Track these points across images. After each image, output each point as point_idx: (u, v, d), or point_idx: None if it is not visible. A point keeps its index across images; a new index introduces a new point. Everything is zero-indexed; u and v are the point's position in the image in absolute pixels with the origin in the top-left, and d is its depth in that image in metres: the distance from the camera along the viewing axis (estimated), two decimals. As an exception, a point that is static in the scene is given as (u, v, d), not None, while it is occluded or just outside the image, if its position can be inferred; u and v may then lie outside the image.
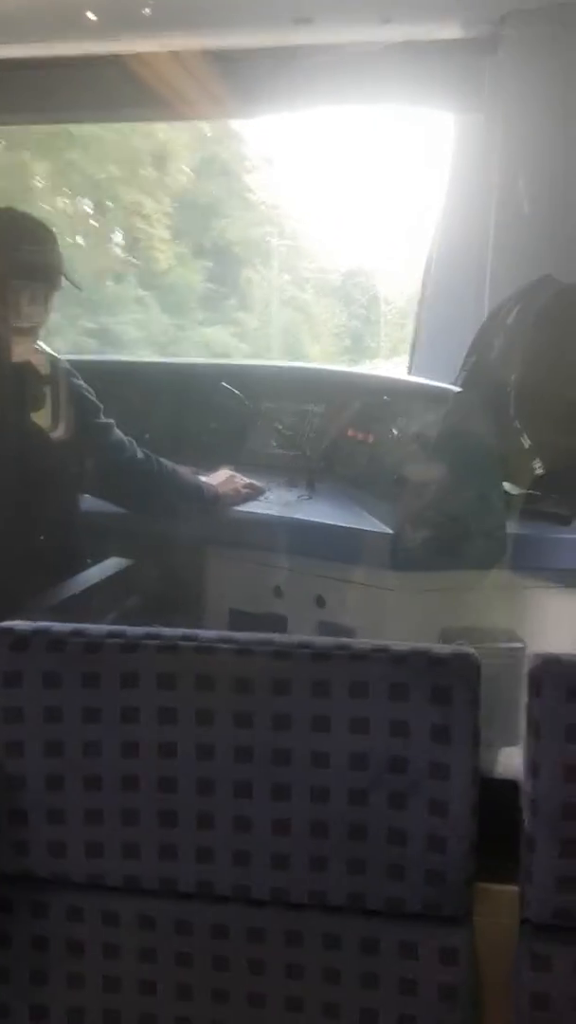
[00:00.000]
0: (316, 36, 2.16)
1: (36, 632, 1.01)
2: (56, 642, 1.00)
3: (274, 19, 2.14)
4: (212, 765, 0.97)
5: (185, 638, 1.00)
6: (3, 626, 1.02)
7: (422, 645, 0.96)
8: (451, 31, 2.16)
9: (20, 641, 1.00)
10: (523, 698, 1.71)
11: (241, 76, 2.27)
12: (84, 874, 1.02)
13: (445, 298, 2.40)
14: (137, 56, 2.32)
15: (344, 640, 0.98)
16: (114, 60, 2.32)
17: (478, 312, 2.12)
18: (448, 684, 0.93)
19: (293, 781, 0.95)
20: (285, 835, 0.96)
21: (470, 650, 0.95)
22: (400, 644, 0.97)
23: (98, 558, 2.01)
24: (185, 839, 0.99)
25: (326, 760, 0.95)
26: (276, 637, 0.99)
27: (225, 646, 0.98)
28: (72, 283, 1.95)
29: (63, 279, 1.91)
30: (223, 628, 2.12)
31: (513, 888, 0.96)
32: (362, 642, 0.98)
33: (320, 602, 2.03)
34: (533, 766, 0.93)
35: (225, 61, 2.27)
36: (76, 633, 1.01)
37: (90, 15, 2.20)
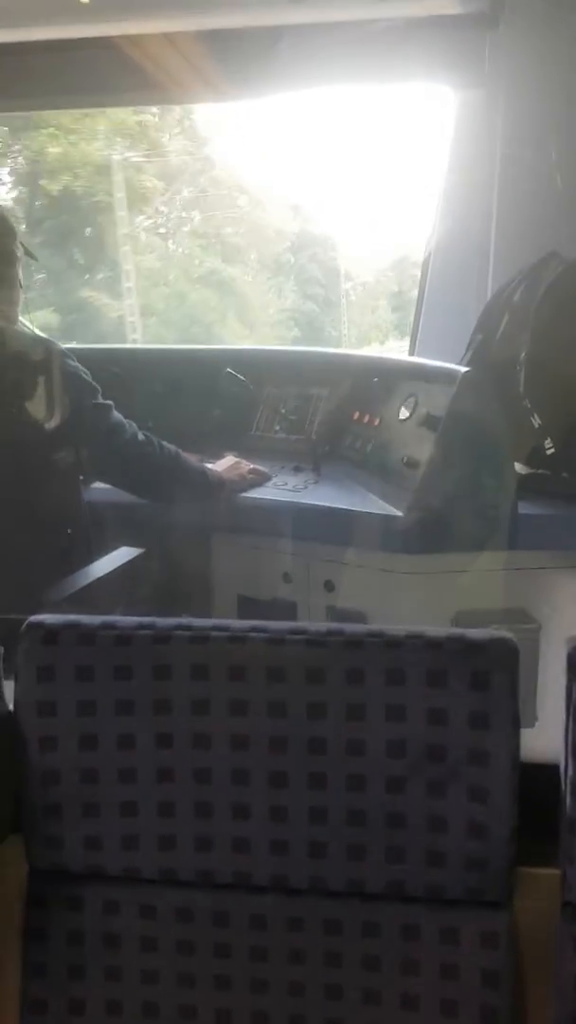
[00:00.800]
0: (311, 15, 2.12)
1: (67, 625, 0.99)
2: (87, 635, 0.99)
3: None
4: (247, 755, 0.96)
5: (217, 628, 0.98)
6: (33, 620, 1.00)
7: (457, 631, 0.95)
8: (449, 6, 2.13)
9: (51, 635, 0.99)
10: (538, 679, 1.71)
11: (237, 56, 2.24)
12: (120, 868, 1.01)
13: (448, 277, 2.38)
14: (129, 38, 2.28)
15: (377, 627, 0.97)
16: (105, 43, 2.28)
17: (481, 291, 2.10)
18: (487, 669, 0.92)
19: (329, 770, 0.95)
20: (322, 824, 0.95)
21: (507, 634, 0.94)
22: (435, 629, 0.96)
23: (108, 547, 1.99)
24: (221, 830, 0.98)
25: (362, 748, 0.94)
26: (309, 625, 0.98)
27: (257, 635, 0.97)
28: (28, 253, 1.93)
29: (20, 249, 1.90)
30: (232, 615, 2.13)
31: (554, 871, 0.96)
32: (396, 628, 0.97)
33: (329, 587, 2.03)
34: (574, 748, 0.92)
35: (222, 42, 2.23)
36: (106, 626, 0.99)
37: (82, -1, 2.16)
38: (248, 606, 2.14)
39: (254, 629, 0.98)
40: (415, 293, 2.47)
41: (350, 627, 0.98)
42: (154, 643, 0.97)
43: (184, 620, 0.99)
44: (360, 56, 2.13)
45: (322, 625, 0.98)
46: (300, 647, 0.96)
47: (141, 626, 0.98)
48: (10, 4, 2.19)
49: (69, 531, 1.88)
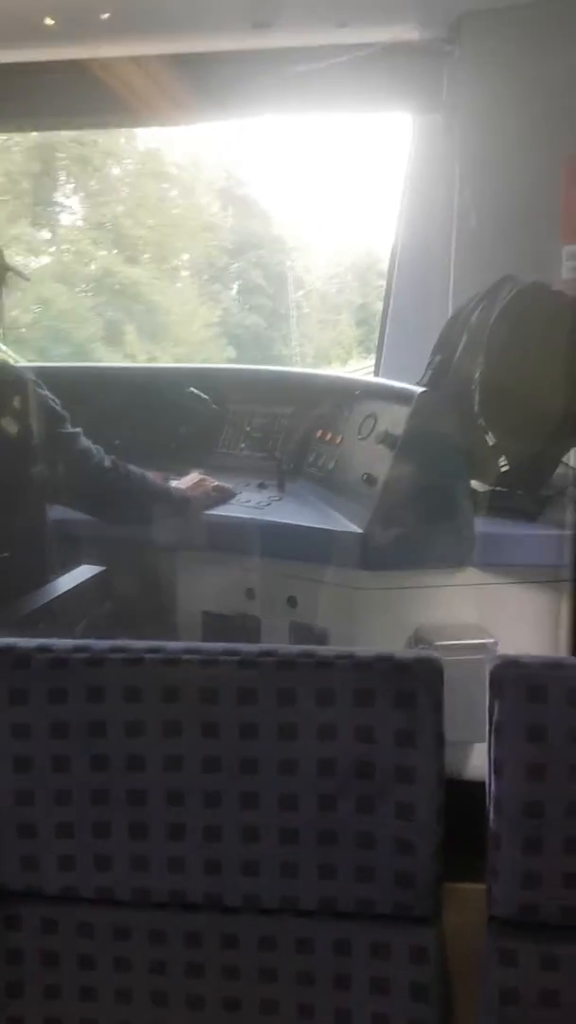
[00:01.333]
0: (274, 40, 2.16)
1: (1, 650, 1.01)
2: (22, 658, 1.00)
3: (232, 24, 2.14)
4: (180, 776, 0.98)
5: (151, 650, 1.00)
6: None
7: (386, 650, 0.97)
8: (407, 33, 2.17)
9: None
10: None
11: (202, 81, 2.27)
12: (57, 887, 1.03)
13: (410, 299, 2.41)
14: (95, 61, 2.31)
15: (309, 648, 0.99)
16: (72, 66, 2.30)
17: (442, 312, 2.13)
18: (412, 689, 0.94)
19: (262, 789, 0.96)
20: (255, 843, 0.97)
21: (433, 655, 0.97)
22: (365, 650, 0.98)
23: (68, 566, 2.00)
24: (156, 850, 0.99)
25: (294, 767, 0.96)
26: (242, 647, 1.00)
27: (190, 657, 0.99)
28: (18, 274, 1.95)
29: (8, 272, 1.91)
30: (196, 631, 2.15)
31: (481, 886, 0.98)
32: (327, 649, 0.99)
33: (292, 603, 2.05)
34: (496, 766, 0.95)
35: (185, 66, 2.26)
36: (41, 649, 1.01)
37: (48, 20, 2.18)
38: (213, 622, 2.16)
39: (188, 651, 1.00)
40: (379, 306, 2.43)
41: (284, 648, 1.00)
42: (88, 666, 0.99)
43: (119, 642, 1.01)
44: (321, 85, 2.16)
45: (254, 647, 1.00)
46: (233, 668, 0.98)
47: (77, 649, 1.00)
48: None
49: (32, 554, 1.90)
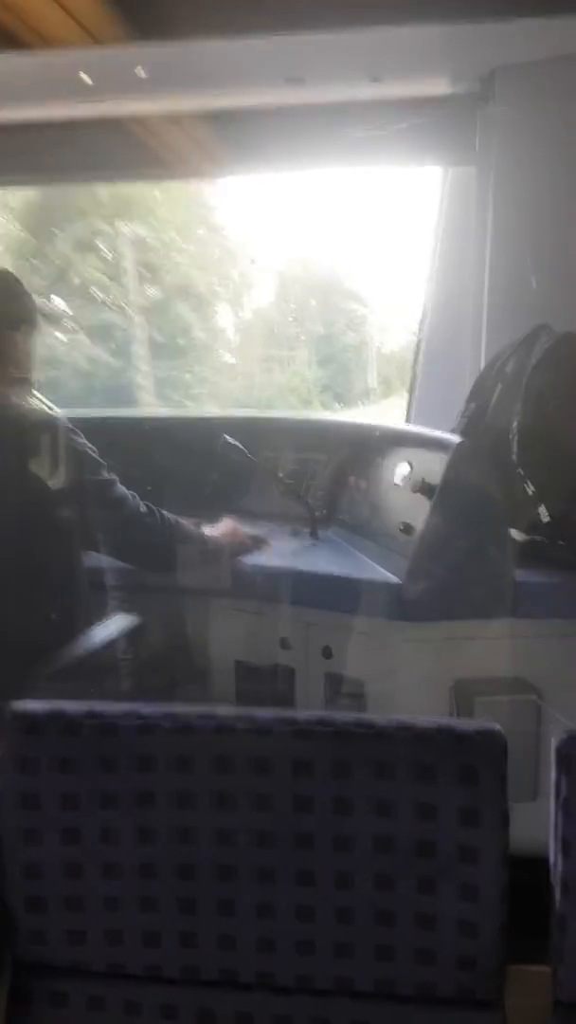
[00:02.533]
0: (308, 96, 2.19)
1: (51, 715, 0.99)
2: (71, 725, 0.98)
3: (266, 79, 2.18)
4: (232, 851, 0.95)
5: (202, 717, 0.98)
6: (17, 709, 1.00)
7: (446, 721, 0.95)
8: (440, 87, 2.20)
9: (34, 726, 0.99)
10: (540, 752, 1.69)
11: (235, 136, 2.31)
12: (104, 963, 1.00)
13: (441, 348, 2.42)
14: (134, 117, 2.35)
15: (367, 717, 0.96)
16: (107, 121, 2.35)
17: (474, 362, 2.13)
18: (474, 763, 0.91)
19: (316, 866, 0.93)
20: (309, 921, 0.94)
21: (495, 726, 0.94)
22: (424, 720, 0.95)
23: (104, 615, 1.99)
24: (207, 927, 0.96)
25: (350, 844, 0.93)
26: (297, 715, 0.97)
27: (243, 726, 0.97)
28: (54, 318, 1.98)
29: (40, 320, 1.94)
30: (229, 681, 2.12)
31: (545, 969, 0.94)
32: (384, 718, 0.96)
33: (327, 653, 2.02)
34: (564, 844, 0.91)
35: (219, 121, 2.30)
36: (91, 715, 0.99)
37: (84, 77, 2.23)
38: (246, 672, 2.13)
39: (239, 718, 0.97)
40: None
41: (340, 716, 0.97)
42: (139, 733, 0.97)
43: (170, 709, 0.99)
44: (354, 141, 2.19)
45: (311, 714, 0.98)
46: (287, 738, 0.96)
47: (126, 715, 0.98)
48: (15, 83, 2.27)
49: (70, 604, 1.89)
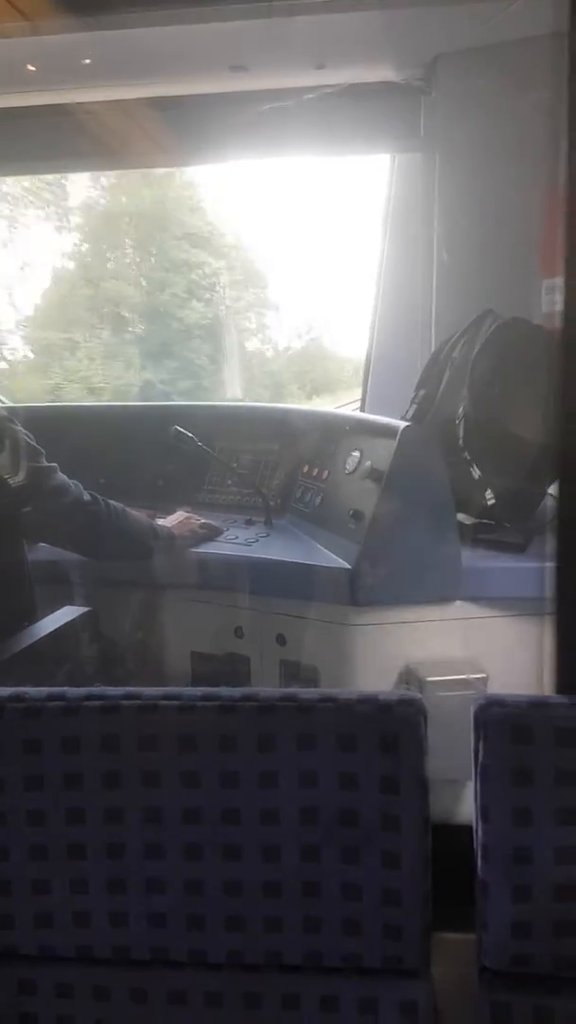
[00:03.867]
0: (251, 83, 2.19)
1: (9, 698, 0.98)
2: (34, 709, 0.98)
3: (210, 67, 2.18)
4: (159, 828, 0.95)
5: (128, 697, 0.98)
6: None
7: (369, 692, 0.95)
8: (384, 74, 2.21)
9: None
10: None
11: (181, 124, 2.30)
12: (34, 946, 0.99)
13: (392, 336, 2.43)
14: (81, 105, 2.34)
15: (290, 691, 0.97)
16: (54, 110, 2.33)
17: (425, 349, 2.14)
18: (395, 731, 0.92)
19: (243, 840, 0.94)
20: (238, 896, 0.94)
21: (416, 695, 0.94)
22: (347, 692, 0.96)
23: (52, 606, 1.98)
24: (136, 905, 0.96)
25: (276, 817, 0.93)
26: (222, 691, 0.98)
27: (168, 703, 0.97)
28: None
29: None
30: (185, 670, 2.12)
31: (470, 936, 0.95)
32: (309, 692, 0.97)
33: (281, 640, 2.02)
34: (483, 810, 0.92)
35: (165, 109, 2.29)
36: (15, 698, 0.98)
37: (30, 67, 2.21)
38: (202, 661, 2.13)
39: (165, 696, 0.97)
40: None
41: (264, 691, 0.98)
42: (63, 715, 0.97)
43: (95, 689, 0.99)
44: (304, 129, 2.19)
45: (235, 691, 0.98)
46: (212, 714, 0.96)
47: (51, 697, 0.98)
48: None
49: (14, 594, 1.87)
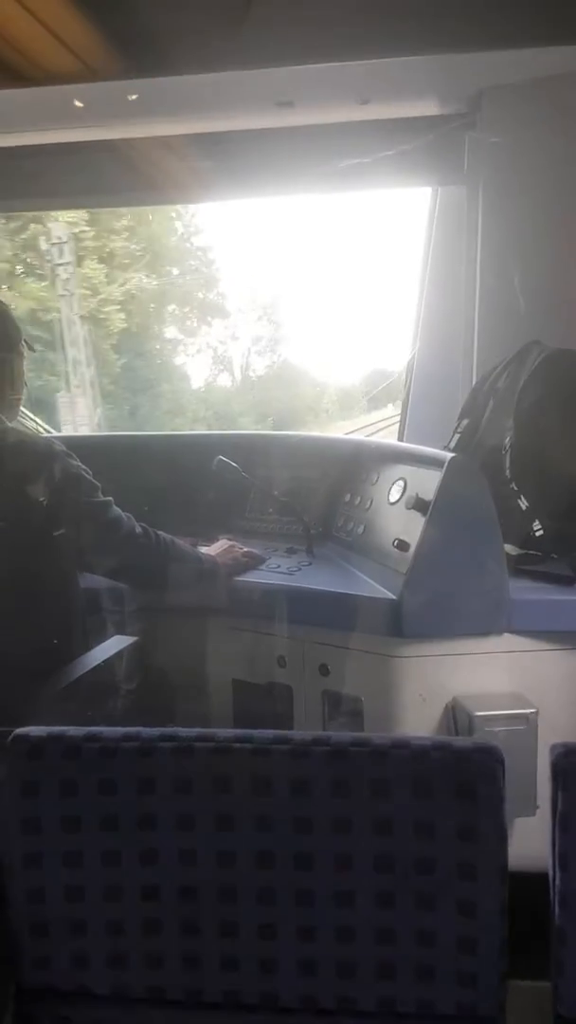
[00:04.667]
0: (297, 118, 2.23)
1: (51, 738, 1.00)
2: (72, 748, 0.99)
3: (257, 103, 2.21)
4: (233, 872, 0.95)
5: (201, 739, 0.99)
6: (19, 733, 1.01)
7: (443, 739, 0.95)
8: (428, 108, 2.23)
9: (35, 749, 0.99)
10: (538, 767, 1.69)
11: (226, 160, 2.34)
12: (107, 986, 1.00)
13: (433, 365, 2.44)
14: (126, 141, 2.38)
15: (362, 735, 0.97)
16: (103, 146, 2.38)
17: (466, 380, 2.15)
18: (472, 780, 0.92)
19: (316, 885, 0.94)
20: (311, 941, 0.94)
21: (493, 743, 0.94)
22: (420, 737, 0.96)
23: (101, 636, 1.99)
24: (209, 948, 0.96)
25: (350, 863, 0.93)
26: (294, 734, 0.98)
27: (241, 746, 0.97)
28: (29, 347, 1.99)
29: (24, 345, 1.96)
30: (227, 699, 2.12)
31: (545, 984, 0.94)
32: (380, 736, 0.97)
33: (324, 671, 2.02)
34: (562, 859, 0.92)
35: (210, 145, 2.33)
36: (91, 738, 0.99)
37: (77, 103, 2.26)
38: (243, 691, 2.13)
39: (238, 739, 0.98)
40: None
41: (336, 736, 0.98)
42: (138, 756, 0.98)
43: (169, 730, 0.99)
44: (346, 165, 2.22)
45: (307, 734, 0.98)
46: (284, 758, 0.96)
47: (126, 737, 0.99)
48: (9, 109, 2.30)
49: (66, 625, 1.89)
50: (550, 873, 0.93)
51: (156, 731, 1.00)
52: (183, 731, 1.00)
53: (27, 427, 2.02)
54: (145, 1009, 0.99)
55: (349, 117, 2.25)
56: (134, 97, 2.23)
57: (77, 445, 2.01)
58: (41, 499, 1.87)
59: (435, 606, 1.86)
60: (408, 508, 2.01)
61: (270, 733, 0.98)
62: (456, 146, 2.26)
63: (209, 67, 1.78)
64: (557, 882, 0.92)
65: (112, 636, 2.00)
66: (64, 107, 2.27)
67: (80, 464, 1.92)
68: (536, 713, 1.79)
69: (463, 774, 0.92)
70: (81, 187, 2.45)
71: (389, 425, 2.58)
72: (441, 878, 0.92)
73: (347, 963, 0.94)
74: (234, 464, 2.26)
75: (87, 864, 0.98)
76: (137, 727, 1.01)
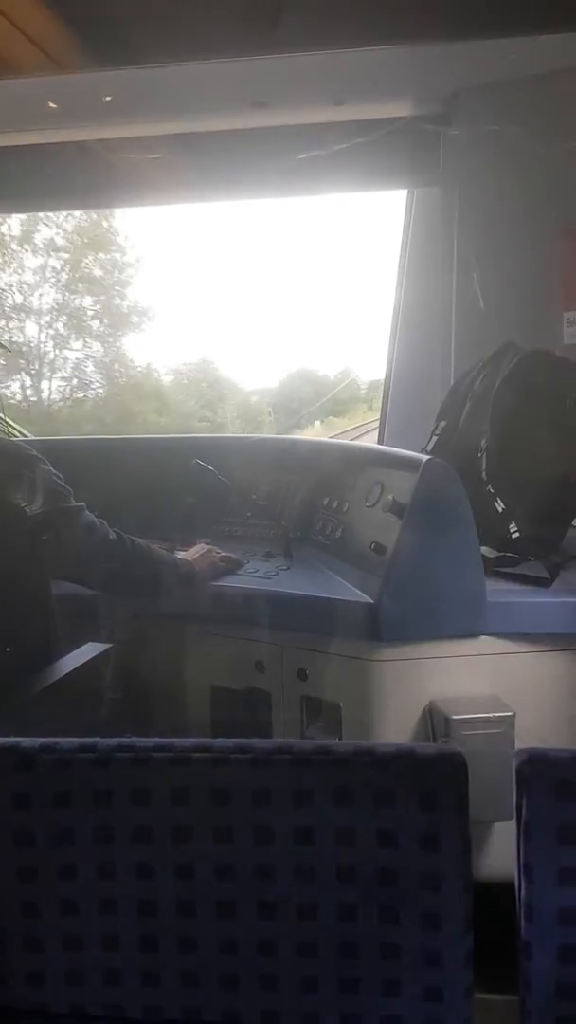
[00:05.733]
0: (272, 119, 2.21)
1: (4, 750, 0.97)
2: (25, 760, 0.96)
3: (232, 104, 2.20)
4: (191, 885, 0.93)
5: (159, 748, 0.96)
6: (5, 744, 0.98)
7: (407, 745, 0.93)
8: (403, 109, 2.22)
9: (25, 761, 0.96)
10: (513, 769, 1.67)
11: (202, 161, 2.32)
12: (65, 1003, 0.97)
13: (411, 368, 2.43)
14: (103, 142, 2.36)
15: (325, 744, 0.95)
16: (78, 147, 2.36)
17: (444, 381, 2.14)
18: (435, 788, 0.90)
19: (278, 898, 0.91)
20: (272, 955, 0.92)
21: (456, 749, 0.92)
22: (383, 745, 0.94)
23: (74, 643, 1.96)
24: (168, 964, 0.94)
25: (312, 874, 0.91)
26: (255, 743, 0.96)
27: (201, 755, 0.95)
28: (4, 347, 1.97)
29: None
30: (205, 705, 2.09)
31: (513, 998, 0.92)
32: (343, 744, 0.95)
33: (303, 675, 2.00)
34: (526, 869, 0.89)
35: (187, 146, 2.32)
36: (46, 749, 0.97)
37: (51, 104, 2.24)
38: (222, 696, 2.11)
39: (198, 748, 0.95)
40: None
41: (298, 744, 0.96)
42: (94, 767, 0.95)
43: (126, 740, 0.97)
44: (320, 167, 2.21)
45: (268, 743, 0.96)
46: (245, 767, 0.94)
47: (82, 748, 0.96)
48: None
49: (38, 633, 1.86)
50: (516, 884, 0.91)
51: (113, 741, 0.97)
52: (140, 741, 0.97)
53: (-1, 431, 1.99)
54: None
55: (323, 118, 2.23)
56: (108, 98, 2.21)
57: (48, 449, 1.98)
58: (11, 504, 1.84)
59: (412, 609, 1.84)
60: (385, 511, 2.00)
61: (230, 742, 0.96)
62: (431, 147, 2.25)
63: (177, 58, 1.76)
64: (522, 893, 0.90)
65: (86, 643, 1.97)
66: (38, 108, 2.25)
67: (51, 468, 1.89)
68: (513, 716, 1.78)
69: (425, 782, 0.90)
70: (54, 189, 2.43)
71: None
72: (405, 889, 0.90)
73: (309, 977, 0.92)
74: (211, 468, 2.24)
75: (42, 878, 0.95)
76: (93, 739, 0.99)
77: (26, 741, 0.97)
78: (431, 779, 0.90)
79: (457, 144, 2.20)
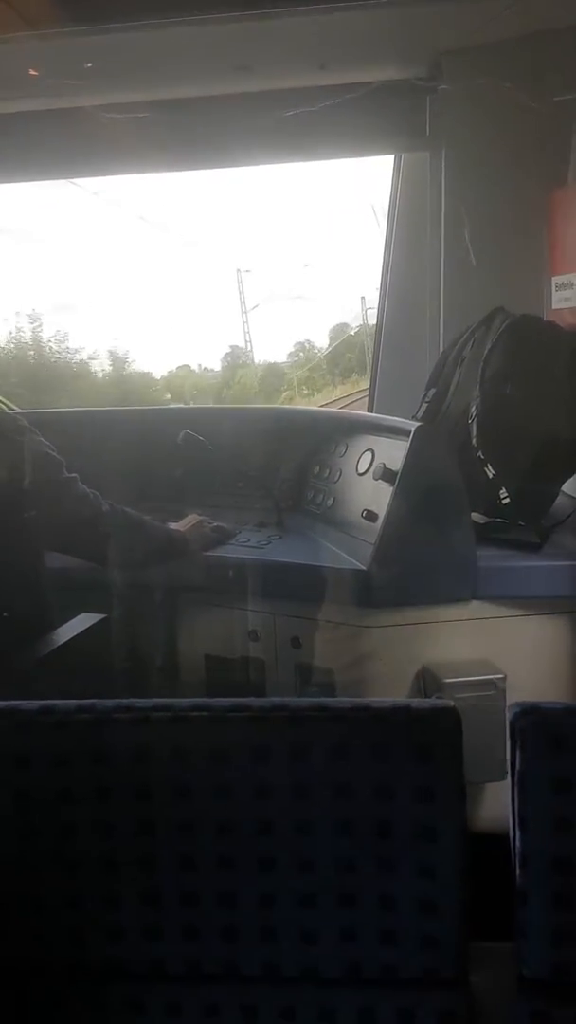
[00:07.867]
0: (255, 83, 2.18)
1: (3, 713, 0.98)
2: (24, 722, 0.97)
3: (214, 67, 2.16)
4: (192, 841, 0.94)
5: (157, 708, 0.97)
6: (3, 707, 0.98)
7: (402, 701, 0.94)
8: (388, 73, 2.20)
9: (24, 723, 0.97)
10: (506, 730, 1.70)
11: (186, 128, 2.29)
12: (64, 961, 0.99)
13: (400, 335, 2.42)
14: (82, 110, 2.32)
15: (322, 700, 0.96)
16: (56, 115, 2.32)
17: (434, 348, 2.13)
18: (430, 741, 0.91)
19: (278, 852, 0.93)
20: (272, 908, 0.94)
21: (450, 703, 0.94)
22: (379, 701, 0.95)
23: (68, 614, 1.97)
24: (169, 918, 0.96)
25: (310, 828, 0.93)
26: (252, 702, 0.97)
27: (199, 714, 0.96)
28: None
29: None
30: (199, 675, 2.11)
31: (508, 945, 0.94)
32: (340, 701, 0.96)
33: (296, 643, 2.01)
34: (520, 820, 0.91)
35: (169, 112, 2.28)
36: (44, 711, 0.98)
37: (31, 71, 2.20)
38: (216, 665, 2.12)
39: (195, 708, 0.96)
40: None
41: (295, 701, 0.97)
42: (93, 727, 0.96)
43: (125, 701, 0.98)
44: (306, 130, 2.18)
45: (265, 701, 0.97)
46: (243, 725, 0.95)
47: (80, 709, 0.97)
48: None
49: (32, 604, 1.86)
50: (510, 834, 0.93)
51: (111, 702, 0.98)
52: (138, 702, 0.98)
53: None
54: (103, 982, 0.98)
55: (308, 82, 2.20)
56: (90, 65, 2.17)
57: (41, 421, 1.97)
58: (4, 476, 1.84)
59: (403, 575, 1.86)
60: (376, 479, 2.00)
61: (228, 701, 0.97)
62: (418, 111, 2.22)
63: (160, 17, 1.72)
64: (517, 843, 0.92)
65: (80, 614, 1.98)
66: (17, 75, 2.21)
67: (44, 440, 1.89)
68: (504, 678, 1.80)
69: (421, 735, 0.91)
70: (35, 158, 2.39)
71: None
72: (401, 841, 0.91)
73: (309, 930, 0.94)
74: (201, 438, 2.24)
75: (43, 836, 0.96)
76: (92, 700, 1.00)
77: (25, 704, 0.98)
78: (426, 732, 0.91)
79: (444, 107, 2.18)
